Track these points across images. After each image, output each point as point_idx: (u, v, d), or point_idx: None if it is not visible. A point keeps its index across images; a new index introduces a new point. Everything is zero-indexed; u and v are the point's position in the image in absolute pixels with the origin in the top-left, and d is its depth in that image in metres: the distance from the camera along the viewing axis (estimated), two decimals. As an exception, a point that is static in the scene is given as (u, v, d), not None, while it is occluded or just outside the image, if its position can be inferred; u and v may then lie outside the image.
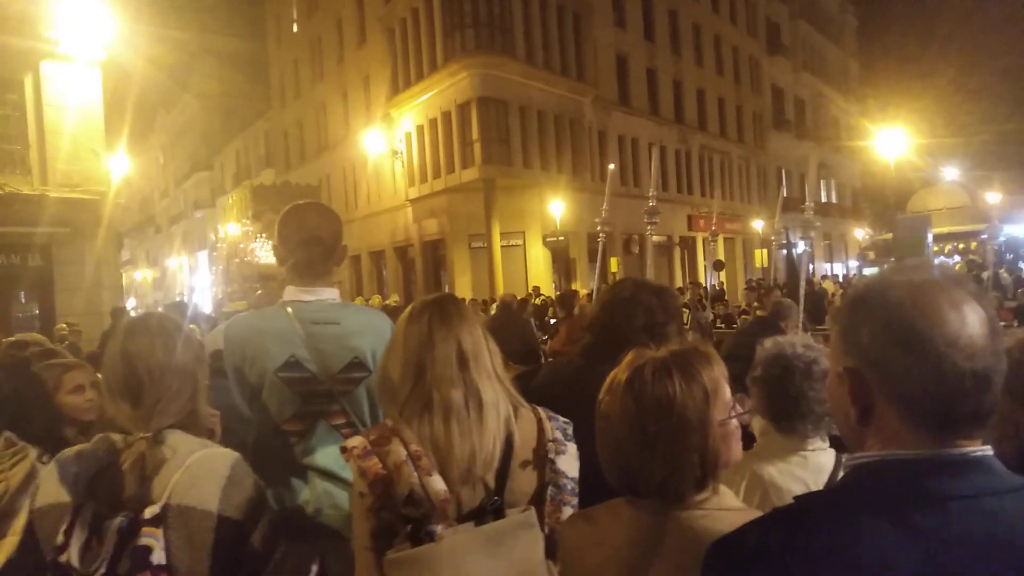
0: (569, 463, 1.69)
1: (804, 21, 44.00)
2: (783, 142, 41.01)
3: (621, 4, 29.29)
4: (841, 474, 1.86)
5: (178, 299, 40.78)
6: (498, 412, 1.62)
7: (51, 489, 1.61)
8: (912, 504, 0.93)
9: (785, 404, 2.02)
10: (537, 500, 1.65)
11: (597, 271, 8.88)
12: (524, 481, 1.64)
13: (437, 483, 1.49)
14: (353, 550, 1.64)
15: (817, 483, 1.86)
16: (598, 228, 8.16)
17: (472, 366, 1.64)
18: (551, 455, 1.67)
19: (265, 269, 26.18)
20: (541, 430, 1.70)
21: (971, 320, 0.96)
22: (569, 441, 1.72)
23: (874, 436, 1.01)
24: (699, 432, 1.37)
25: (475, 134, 22.79)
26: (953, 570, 0.90)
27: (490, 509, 1.57)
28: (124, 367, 1.66)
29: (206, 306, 38.21)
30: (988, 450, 0.98)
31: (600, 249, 8.12)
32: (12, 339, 5.75)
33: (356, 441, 1.58)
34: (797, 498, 1.11)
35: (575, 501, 1.68)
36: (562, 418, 1.77)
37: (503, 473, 1.62)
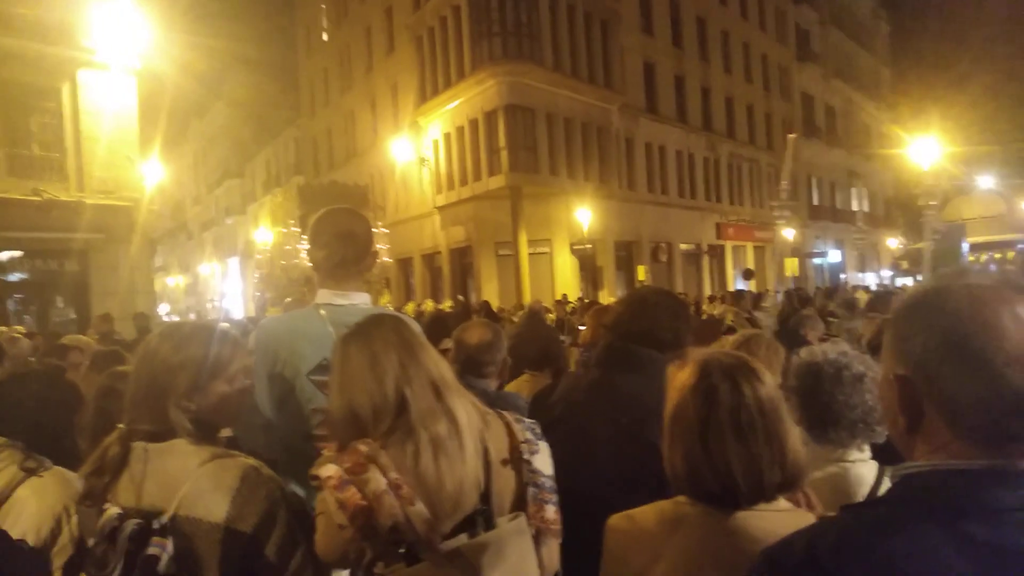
0: (544, 461, 1.71)
1: (835, 27, 43.56)
2: (813, 150, 40.57)
3: (649, 11, 29.26)
4: (884, 485, 1.82)
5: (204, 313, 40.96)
6: (473, 431, 1.63)
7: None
8: (965, 515, 0.91)
9: (817, 411, 2.01)
10: (519, 502, 1.66)
11: (779, 265, 8.50)
12: (505, 486, 1.65)
13: (421, 511, 1.47)
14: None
15: (859, 495, 1.81)
16: (775, 208, 8.14)
17: (444, 391, 1.64)
18: (526, 456, 1.69)
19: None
20: (511, 433, 1.72)
21: None
22: (540, 440, 1.74)
23: (923, 445, 0.99)
24: (788, 434, 1.41)
25: (502, 142, 22.85)
26: None
27: (480, 519, 1.57)
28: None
29: (238, 312, 38.67)
30: None
31: (776, 247, 7.93)
32: (60, 342, 5.82)
33: (331, 470, 1.52)
34: (845, 507, 1.07)
35: (555, 498, 1.69)
36: (528, 419, 1.79)
37: (486, 482, 1.62)
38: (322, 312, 2.24)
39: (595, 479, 1.79)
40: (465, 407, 1.65)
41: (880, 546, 0.92)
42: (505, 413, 1.78)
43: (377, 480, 1.48)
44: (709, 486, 1.39)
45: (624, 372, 2.22)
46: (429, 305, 18.98)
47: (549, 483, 1.69)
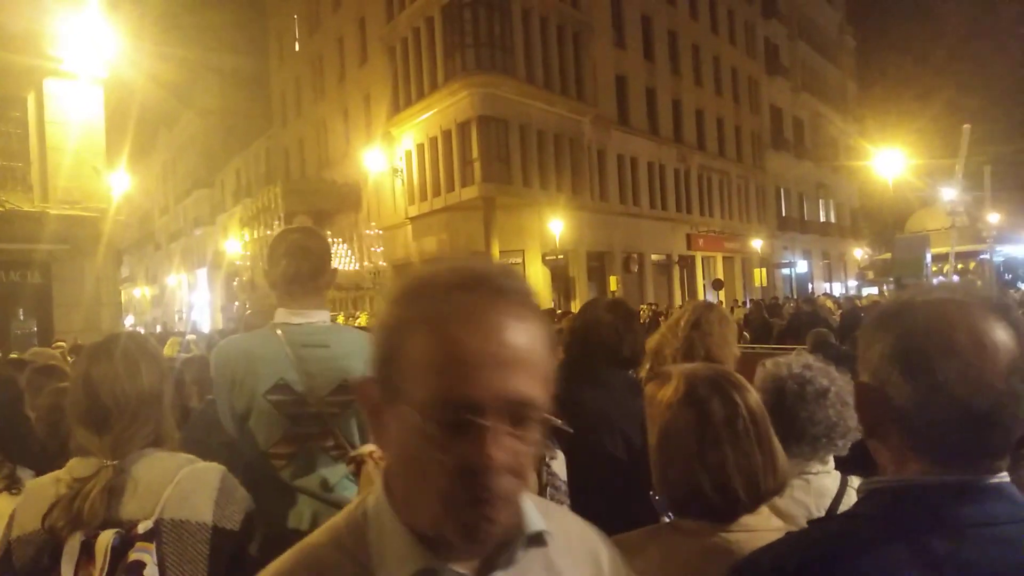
0: (560, 467, 1.81)
1: (803, 42, 44.39)
2: (782, 161, 41.19)
3: (621, 24, 29.57)
4: (847, 496, 1.84)
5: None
6: None
7: (28, 518, 1.58)
8: (928, 530, 0.91)
9: (780, 427, 1.99)
10: None
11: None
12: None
13: None
14: None
15: (820, 507, 1.83)
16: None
17: None
18: (546, 460, 1.78)
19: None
20: None
21: (989, 352, 0.90)
22: (557, 447, 1.84)
23: (886, 456, 1.00)
24: (775, 440, 1.42)
25: (475, 153, 22.89)
26: None
27: None
28: (86, 396, 1.63)
29: (206, 324, 38.08)
30: (1005, 477, 0.95)
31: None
32: (19, 356, 5.67)
33: (370, 447, 1.64)
34: (812, 522, 1.07)
35: (568, 502, 1.79)
36: None
37: None
38: (279, 332, 2.21)
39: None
40: None
41: (846, 562, 0.92)
42: None
43: None
44: (710, 500, 1.34)
45: (584, 386, 2.23)
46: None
47: (564, 487, 1.80)
